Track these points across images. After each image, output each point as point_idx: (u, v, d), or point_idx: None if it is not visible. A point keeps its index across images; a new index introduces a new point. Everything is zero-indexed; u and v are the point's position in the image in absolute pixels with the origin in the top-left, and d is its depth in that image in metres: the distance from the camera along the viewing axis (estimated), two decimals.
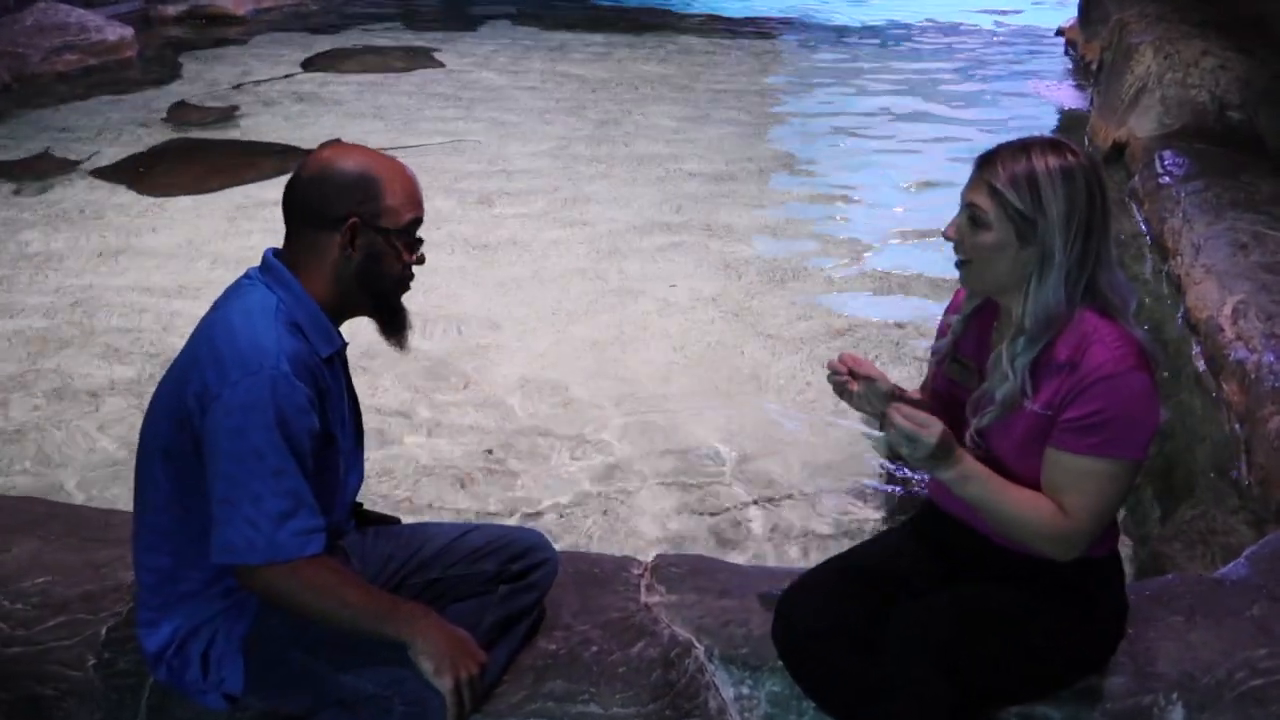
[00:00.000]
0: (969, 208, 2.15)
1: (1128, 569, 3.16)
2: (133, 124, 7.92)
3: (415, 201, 2.29)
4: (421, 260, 2.32)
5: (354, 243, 2.22)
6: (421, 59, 9.96)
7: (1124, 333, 2.12)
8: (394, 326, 2.36)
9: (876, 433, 2.17)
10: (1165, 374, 4.45)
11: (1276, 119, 6.43)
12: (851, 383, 2.27)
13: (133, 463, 2.32)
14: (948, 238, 2.19)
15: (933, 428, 2.09)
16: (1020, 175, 2.08)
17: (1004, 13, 12.40)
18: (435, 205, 6.38)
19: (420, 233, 2.32)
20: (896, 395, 2.26)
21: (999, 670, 2.21)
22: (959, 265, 2.21)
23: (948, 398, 2.31)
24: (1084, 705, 2.36)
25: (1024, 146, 2.12)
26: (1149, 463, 3.85)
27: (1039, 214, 2.08)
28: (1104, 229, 2.11)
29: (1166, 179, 5.81)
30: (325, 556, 2.16)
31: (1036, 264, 2.10)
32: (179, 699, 2.37)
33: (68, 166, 7.03)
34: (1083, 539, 2.15)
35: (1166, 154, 6.06)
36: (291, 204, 2.26)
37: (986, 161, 2.14)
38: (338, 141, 2.33)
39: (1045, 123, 8.23)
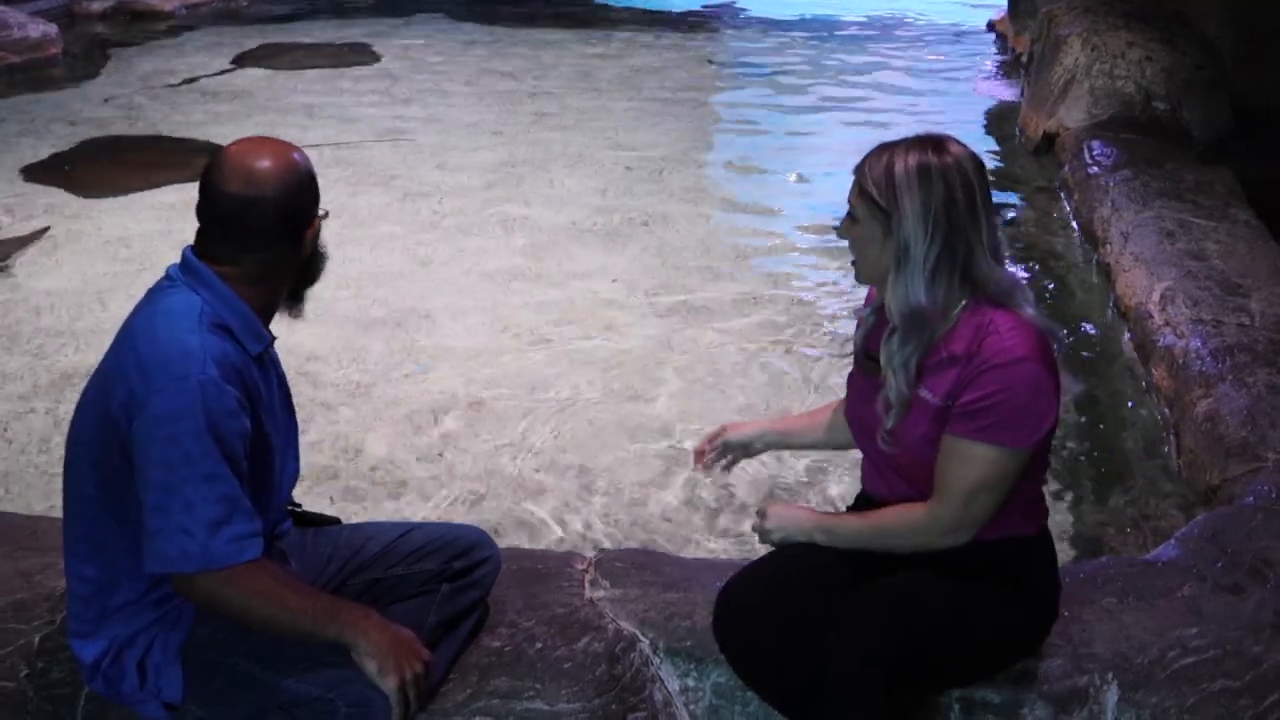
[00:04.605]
0: (848, 205, 2.27)
1: (1063, 552, 3.22)
2: (59, 122, 7.76)
3: None
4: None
5: (313, 241, 2.24)
6: (356, 54, 9.86)
7: (1021, 323, 2.19)
8: (302, 297, 2.35)
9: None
10: (1081, 351, 4.55)
11: (1199, 109, 6.59)
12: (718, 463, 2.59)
13: (58, 469, 2.27)
14: (838, 235, 2.32)
15: (772, 519, 2.39)
16: (880, 171, 2.19)
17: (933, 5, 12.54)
18: (371, 202, 6.33)
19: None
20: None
21: (937, 654, 2.24)
22: (851, 261, 2.32)
23: (866, 393, 2.36)
24: (1022, 688, 2.40)
25: (889, 146, 2.23)
26: (1081, 446, 3.98)
27: (894, 207, 2.17)
28: (973, 224, 2.17)
29: (1095, 169, 5.92)
30: (263, 560, 2.13)
31: (894, 257, 2.19)
32: (115, 709, 2.33)
33: None
34: (955, 518, 2.22)
35: (1095, 144, 6.18)
36: (236, 218, 2.14)
37: (859, 163, 2.26)
38: (250, 143, 2.21)
39: (975, 116, 8.33)
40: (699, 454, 2.71)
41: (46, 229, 5.82)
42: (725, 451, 2.70)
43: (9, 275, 5.39)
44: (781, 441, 2.75)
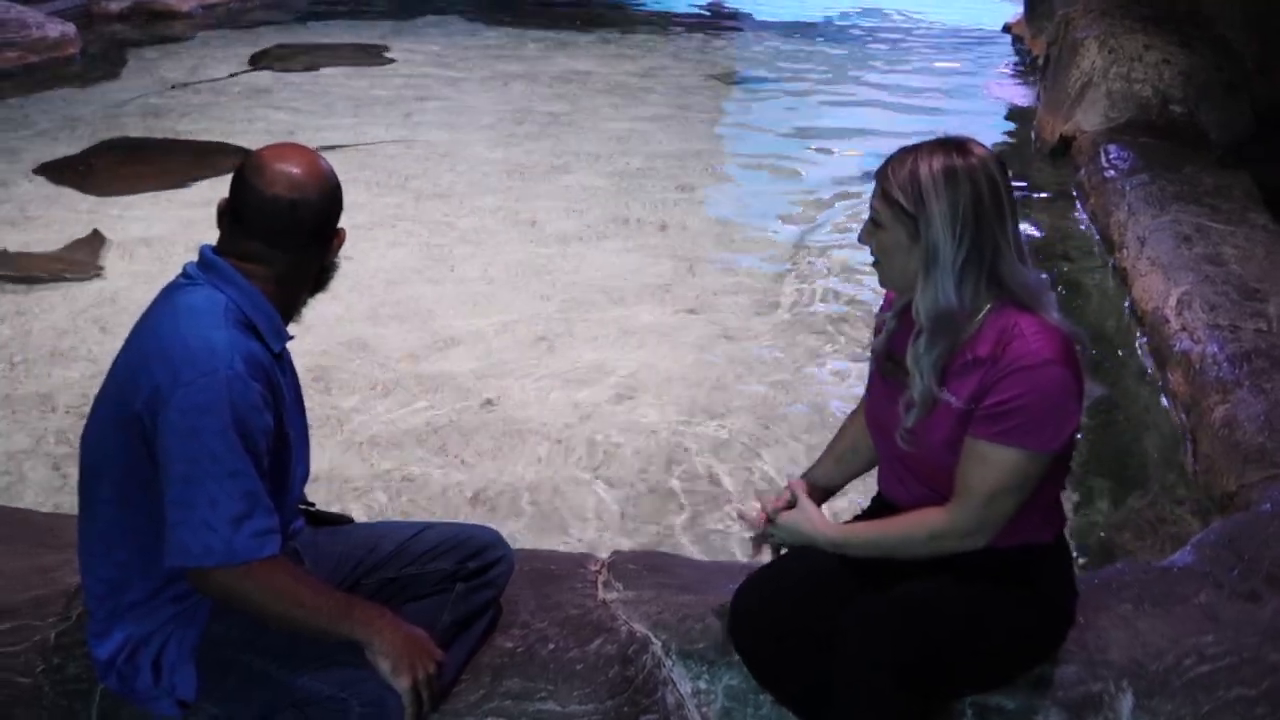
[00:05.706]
0: (870, 210, 2.24)
1: (1079, 557, 3.21)
2: (77, 122, 7.79)
3: None
4: None
5: (338, 247, 2.29)
6: (371, 55, 9.89)
7: (1045, 326, 2.17)
8: (306, 302, 2.39)
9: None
10: (1097, 356, 4.53)
11: (1217, 113, 6.56)
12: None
13: (74, 468, 2.28)
14: (860, 241, 2.29)
15: (790, 518, 2.38)
16: (905, 175, 2.17)
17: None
18: (387, 203, 6.35)
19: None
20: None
21: (952, 659, 2.23)
22: (875, 265, 2.30)
23: (886, 396, 2.35)
24: (1037, 694, 2.39)
25: (913, 150, 2.20)
26: (1097, 451, 3.96)
27: (920, 210, 2.15)
28: (999, 225, 2.16)
29: (1112, 172, 5.90)
30: (280, 558, 2.14)
31: (922, 260, 2.17)
32: (130, 706, 2.33)
33: (10, 165, 6.89)
34: (975, 520, 2.20)
35: (1112, 148, 6.16)
36: (279, 220, 2.17)
37: (882, 167, 2.23)
38: (286, 149, 2.26)
39: (991, 119, 8.32)
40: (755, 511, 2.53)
41: (97, 233, 5.82)
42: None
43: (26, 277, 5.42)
44: (828, 486, 2.57)
